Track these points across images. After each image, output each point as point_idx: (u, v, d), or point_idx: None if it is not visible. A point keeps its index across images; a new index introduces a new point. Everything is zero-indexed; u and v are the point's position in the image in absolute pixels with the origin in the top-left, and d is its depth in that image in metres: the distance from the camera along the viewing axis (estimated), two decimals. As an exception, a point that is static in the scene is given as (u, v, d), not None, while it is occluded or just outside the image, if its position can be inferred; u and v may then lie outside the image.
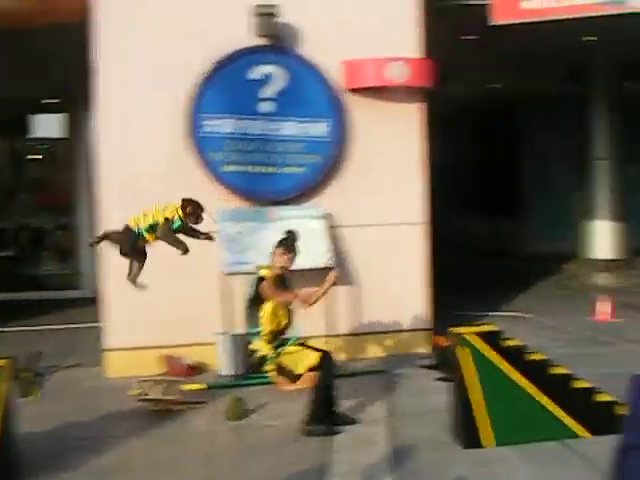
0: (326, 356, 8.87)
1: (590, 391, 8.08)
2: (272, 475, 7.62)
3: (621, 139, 21.58)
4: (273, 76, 11.62)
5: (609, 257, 21.41)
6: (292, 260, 9.34)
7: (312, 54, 11.73)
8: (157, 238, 8.75)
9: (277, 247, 9.33)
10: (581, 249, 22.31)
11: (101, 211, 11.55)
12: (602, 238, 21.61)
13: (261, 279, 9.08)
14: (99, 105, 11.58)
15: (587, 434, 7.91)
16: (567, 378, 8.30)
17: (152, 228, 8.68)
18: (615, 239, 21.55)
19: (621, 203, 21.68)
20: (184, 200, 8.76)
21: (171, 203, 8.71)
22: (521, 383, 8.09)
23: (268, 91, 11.60)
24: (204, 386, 10.53)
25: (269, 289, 8.96)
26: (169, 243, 8.72)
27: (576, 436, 7.88)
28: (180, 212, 8.68)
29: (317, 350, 8.97)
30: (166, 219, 8.67)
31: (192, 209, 8.73)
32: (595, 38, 17.34)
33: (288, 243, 9.34)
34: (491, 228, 25.22)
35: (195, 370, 11.30)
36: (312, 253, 11.18)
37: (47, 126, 20.50)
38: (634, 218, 21.97)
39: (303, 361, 8.94)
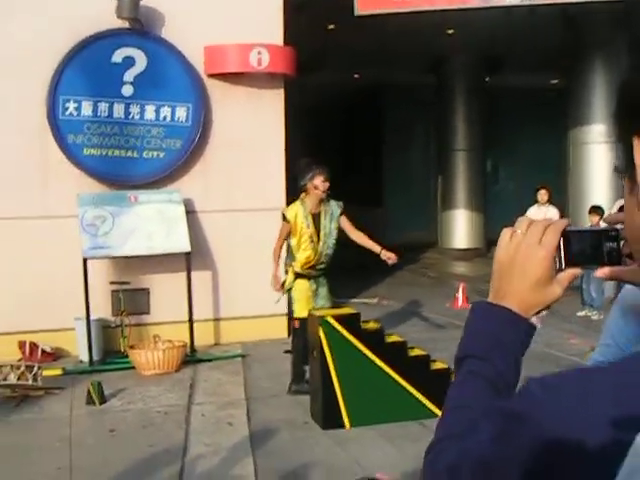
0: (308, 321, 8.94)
1: (446, 372, 8.30)
2: (132, 458, 7.63)
3: (481, 131, 22.07)
4: (135, 59, 11.53)
5: (467, 246, 21.91)
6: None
7: (175, 38, 11.68)
8: None
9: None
10: (440, 239, 22.76)
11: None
12: (460, 228, 22.09)
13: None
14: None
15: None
16: (424, 360, 8.52)
17: None
18: (472, 229, 22.06)
19: (479, 194, 22.18)
20: None
21: None
22: (379, 365, 8.26)
23: (129, 74, 11.50)
24: (61, 371, 10.44)
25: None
26: None
27: (434, 415, 8.09)
28: None
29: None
30: None
31: None
32: (452, 31, 17.70)
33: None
34: (353, 215, 25.47)
35: (53, 356, 11.18)
36: (171, 238, 11.20)
37: None
38: (491, 208, 22.49)
39: (299, 310, 9.42)
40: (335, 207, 9.61)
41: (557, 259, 1.54)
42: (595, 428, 1.21)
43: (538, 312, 1.58)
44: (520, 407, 1.29)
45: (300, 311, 9.45)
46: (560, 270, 1.55)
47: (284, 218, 9.52)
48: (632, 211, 1.37)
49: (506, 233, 1.60)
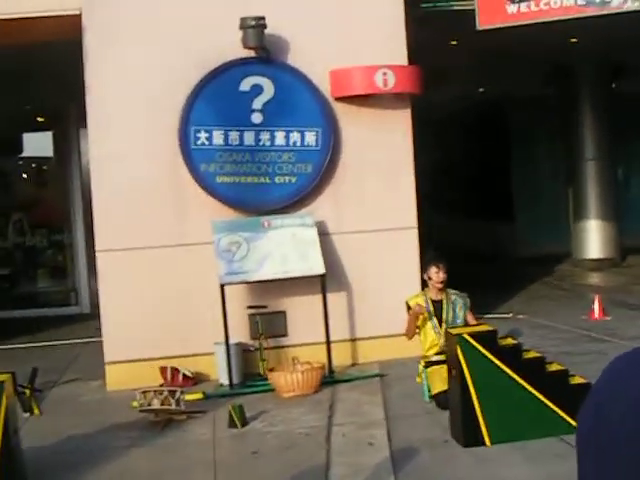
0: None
1: (586, 387, 8.19)
2: (275, 478, 7.73)
3: (610, 139, 21.70)
4: (262, 87, 11.71)
5: (600, 256, 21.53)
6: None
7: (300, 64, 11.82)
8: None
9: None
10: (573, 250, 22.42)
11: (97, 230, 11.66)
12: (593, 238, 21.72)
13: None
14: (90, 122, 11.69)
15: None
16: (563, 375, 8.43)
17: None
18: (606, 239, 21.66)
19: (611, 203, 21.79)
20: None
21: None
22: (517, 381, 8.21)
23: (258, 102, 11.69)
24: (202, 395, 10.62)
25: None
26: None
27: (574, 431, 7.97)
28: None
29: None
30: None
31: None
32: (575, 40, 17.48)
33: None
34: (483, 231, 25.29)
35: (193, 380, 11.38)
36: (305, 261, 11.32)
37: (39, 144, 20.58)
38: (624, 217, 22.08)
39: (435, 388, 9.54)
40: (459, 297, 10.15)
41: None
42: None
43: None
44: None
45: (436, 389, 9.54)
46: None
47: (408, 308, 9.97)
48: None
49: None
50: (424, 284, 10.64)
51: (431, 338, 9.89)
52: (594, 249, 21.66)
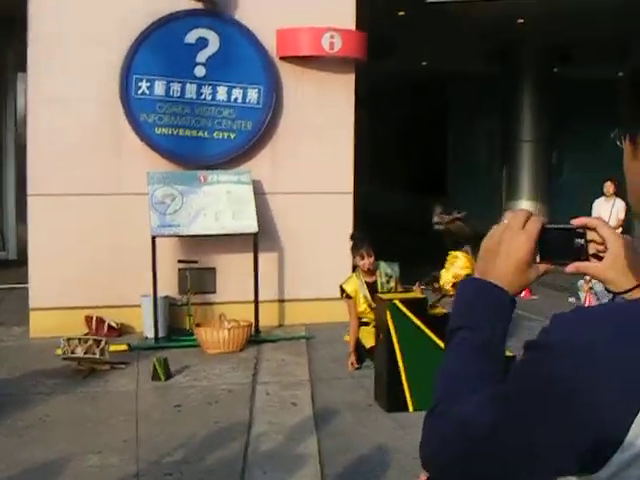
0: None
1: (513, 360, 8.24)
2: (197, 433, 7.69)
3: (548, 123, 21.83)
4: (208, 40, 11.57)
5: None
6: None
7: (248, 20, 11.71)
8: None
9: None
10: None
11: (30, 173, 11.44)
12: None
13: None
14: (29, 64, 11.44)
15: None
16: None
17: None
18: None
19: (544, 186, 21.96)
20: None
21: None
22: (443, 349, 8.23)
23: (202, 55, 11.54)
24: (127, 347, 10.54)
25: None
26: None
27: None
28: None
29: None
30: None
31: None
32: (522, 21, 17.53)
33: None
34: (415, 204, 25.39)
35: (118, 331, 11.29)
36: (239, 218, 11.25)
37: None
38: (556, 201, 22.27)
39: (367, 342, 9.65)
40: (389, 269, 10.13)
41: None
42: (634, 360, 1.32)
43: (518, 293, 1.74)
44: (551, 338, 1.42)
45: (369, 343, 9.60)
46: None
47: (346, 295, 9.96)
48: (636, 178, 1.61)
49: (494, 228, 1.77)
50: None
51: (362, 308, 9.89)
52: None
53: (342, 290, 9.97)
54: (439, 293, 10.48)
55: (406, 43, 18.75)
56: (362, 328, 9.88)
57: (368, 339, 9.58)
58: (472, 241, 14.67)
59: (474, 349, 1.69)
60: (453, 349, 1.75)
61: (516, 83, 21.76)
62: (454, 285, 10.58)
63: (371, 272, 9.95)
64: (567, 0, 14.01)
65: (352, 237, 10.36)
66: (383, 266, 10.05)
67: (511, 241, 1.72)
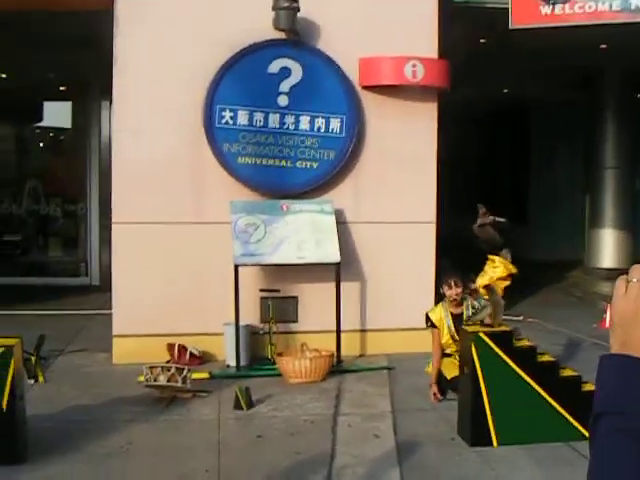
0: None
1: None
2: (278, 464, 7.66)
3: (631, 149, 21.56)
4: (291, 70, 11.62)
5: (614, 266, 21.39)
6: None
7: (330, 50, 11.73)
8: None
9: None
10: (587, 257, 22.29)
11: (115, 201, 11.57)
12: (608, 247, 21.59)
13: None
14: (115, 95, 11.61)
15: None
16: (576, 381, 8.34)
17: None
18: (621, 248, 21.53)
19: (628, 212, 21.66)
20: None
21: None
22: (530, 383, 8.12)
23: (285, 85, 11.59)
24: (208, 375, 10.57)
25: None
26: None
27: (583, 438, 7.90)
28: None
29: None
30: None
31: None
32: (604, 46, 17.33)
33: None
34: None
35: (200, 359, 11.33)
36: (321, 248, 11.26)
37: (59, 114, 20.49)
38: (639, 228, 21.97)
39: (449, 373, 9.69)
40: (475, 301, 10.08)
41: None
42: None
43: None
44: None
45: (451, 374, 9.59)
46: None
47: (431, 324, 9.96)
48: None
49: (621, 284, 1.60)
50: (438, 280, 10.67)
51: (445, 339, 9.85)
52: (608, 258, 21.52)
53: (427, 318, 9.93)
54: (476, 295, 10.32)
55: (487, 70, 18.67)
56: (444, 359, 9.81)
57: (450, 370, 9.51)
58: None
59: (628, 441, 1.52)
60: (603, 442, 1.58)
61: (599, 109, 21.54)
62: (487, 287, 10.38)
63: (457, 303, 9.88)
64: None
65: (442, 262, 10.34)
66: (471, 302, 9.99)
67: None
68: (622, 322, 1.60)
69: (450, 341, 9.76)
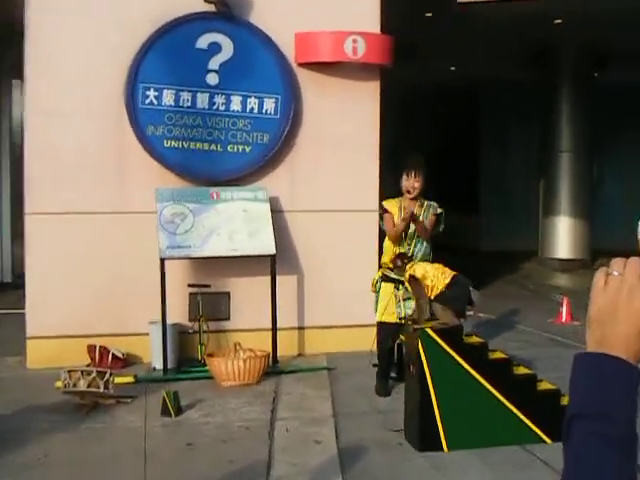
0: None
1: (554, 394, 8.18)
2: (210, 474, 7.65)
3: (588, 131, 21.72)
4: (221, 45, 11.56)
5: (570, 257, 21.60)
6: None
7: (264, 24, 11.69)
8: None
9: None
10: (541, 247, 22.49)
11: (28, 190, 11.44)
12: (563, 236, 21.77)
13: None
14: (27, 72, 11.47)
15: (549, 439, 8.01)
16: (531, 379, 8.42)
17: None
18: (576, 238, 21.72)
19: (584, 199, 21.82)
20: None
21: None
22: (481, 383, 8.18)
23: (215, 62, 11.53)
24: (133, 379, 10.51)
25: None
26: None
27: (539, 440, 7.98)
28: None
29: None
30: None
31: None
32: (559, 21, 17.48)
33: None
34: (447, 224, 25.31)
35: (124, 362, 11.27)
36: (255, 239, 11.23)
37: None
38: (597, 216, 22.18)
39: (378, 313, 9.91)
40: (431, 208, 9.99)
41: None
42: None
43: None
44: None
45: (379, 314, 9.78)
46: None
47: (384, 210, 9.92)
48: None
49: (600, 277, 1.62)
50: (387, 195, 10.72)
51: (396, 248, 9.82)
52: (563, 248, 21.72)
53: (382, 207, 9.96)
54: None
55: (433, 47, 18.76)
56: (384, 291, 9.88)
57: (380, 306, 9.79)
58: None
59: (605, 447, 1.51)
60: (579, 446, 1.55)
61: (553, 88, 21.69)
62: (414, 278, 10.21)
63: (412, 199, 9.83)
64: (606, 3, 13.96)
65: (407, 156, 10.30)
66: (427, 203, 9.96)
67: (632, 300, 1.58)
68: (600, 317, 1.61)
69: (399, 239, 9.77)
